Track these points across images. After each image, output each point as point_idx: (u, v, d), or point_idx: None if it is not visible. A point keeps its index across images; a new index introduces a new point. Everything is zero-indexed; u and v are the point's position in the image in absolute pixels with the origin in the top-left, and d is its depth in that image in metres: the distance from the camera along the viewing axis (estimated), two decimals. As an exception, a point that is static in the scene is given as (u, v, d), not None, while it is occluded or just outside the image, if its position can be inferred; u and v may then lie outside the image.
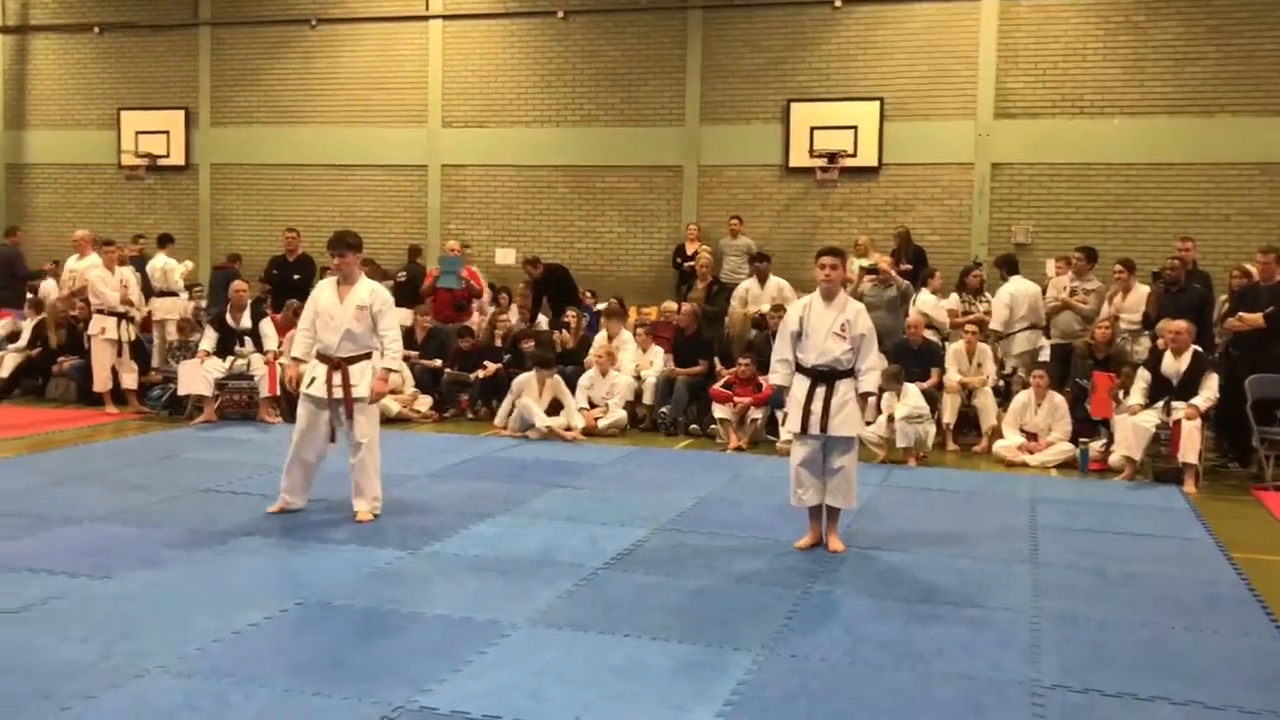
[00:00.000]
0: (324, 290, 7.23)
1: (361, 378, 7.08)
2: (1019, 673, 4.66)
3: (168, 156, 17.09)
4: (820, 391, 6.47)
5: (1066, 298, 11.35)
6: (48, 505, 7.26)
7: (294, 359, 7.45)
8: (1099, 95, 13.87)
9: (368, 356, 7.13)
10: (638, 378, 11.58)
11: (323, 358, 7.10)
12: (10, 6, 17.94)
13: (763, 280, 12.72)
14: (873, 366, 6.61)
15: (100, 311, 11.65)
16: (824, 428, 6.47)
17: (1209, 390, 9.08)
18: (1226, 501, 8.54)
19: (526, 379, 10.78)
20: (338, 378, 7.03)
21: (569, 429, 10.52)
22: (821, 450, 6.57)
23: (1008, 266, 12.06)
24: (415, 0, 16.09)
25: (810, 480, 6.60)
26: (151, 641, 4.77)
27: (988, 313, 11.84)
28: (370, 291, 7.19)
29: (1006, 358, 11.53)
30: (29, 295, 13.71)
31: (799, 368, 6.60)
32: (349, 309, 7.07)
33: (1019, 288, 11.68)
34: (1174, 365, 9.23)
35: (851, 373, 6.53)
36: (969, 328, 11.14)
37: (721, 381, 10.87)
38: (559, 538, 6.75)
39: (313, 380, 7.10)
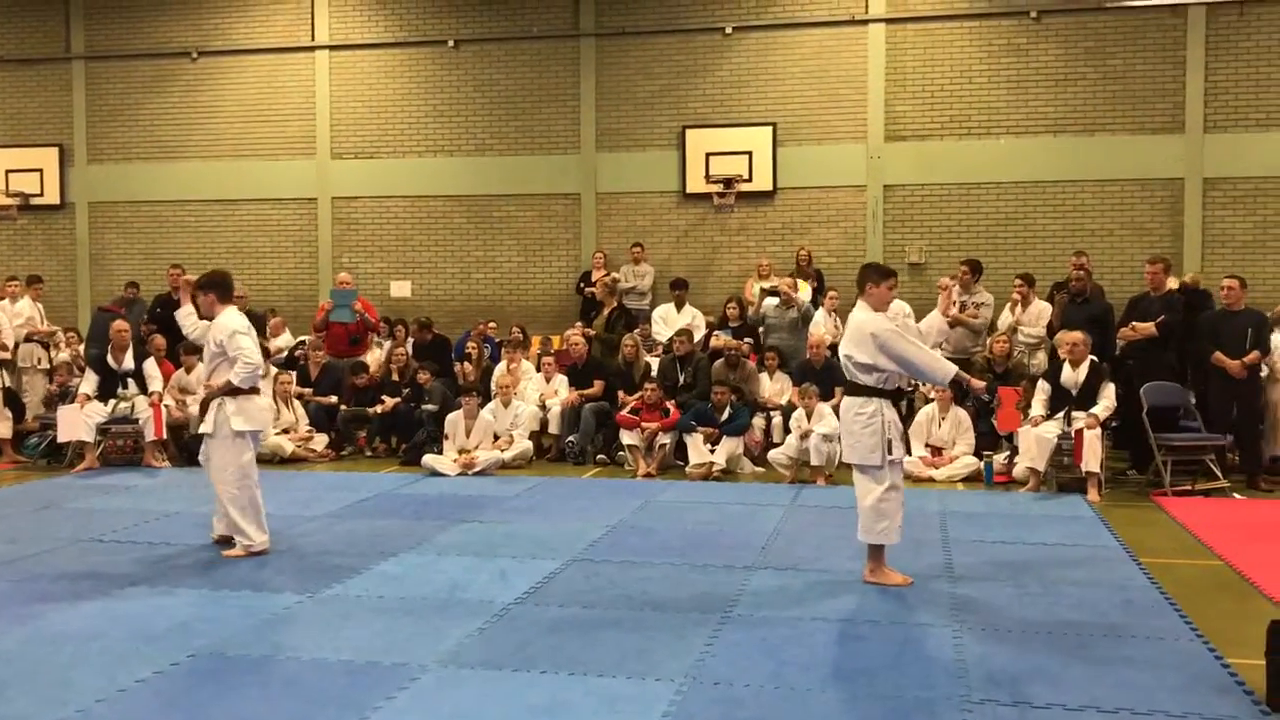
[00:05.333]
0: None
1: None
2: (947, 688, 4.57)
3: (41, 195, 16.34)
4: None
5: (957, 313, 11.50)
6: (-89, 564, 6.76)
7: None
8: (985, 117, 14.17)
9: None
10: (543, 407, 11.38)
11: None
12: None
13: (680, 306, 12.78)
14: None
15: (-31, 357, 11.04)
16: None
17: (1107, 399, 9.24)
18: (1129, 508, 8.67)
19: (456, 418, 10.52)
20: None
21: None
22: None
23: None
24: (300, 31, 15.74)
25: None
26: (27, 704, 4.41)
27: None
28: None
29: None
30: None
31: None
32: None
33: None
34: (1072, 376, 9.38)
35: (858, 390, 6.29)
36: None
37: (628, 408, 10.73)
38: (467, 574, 6.50)
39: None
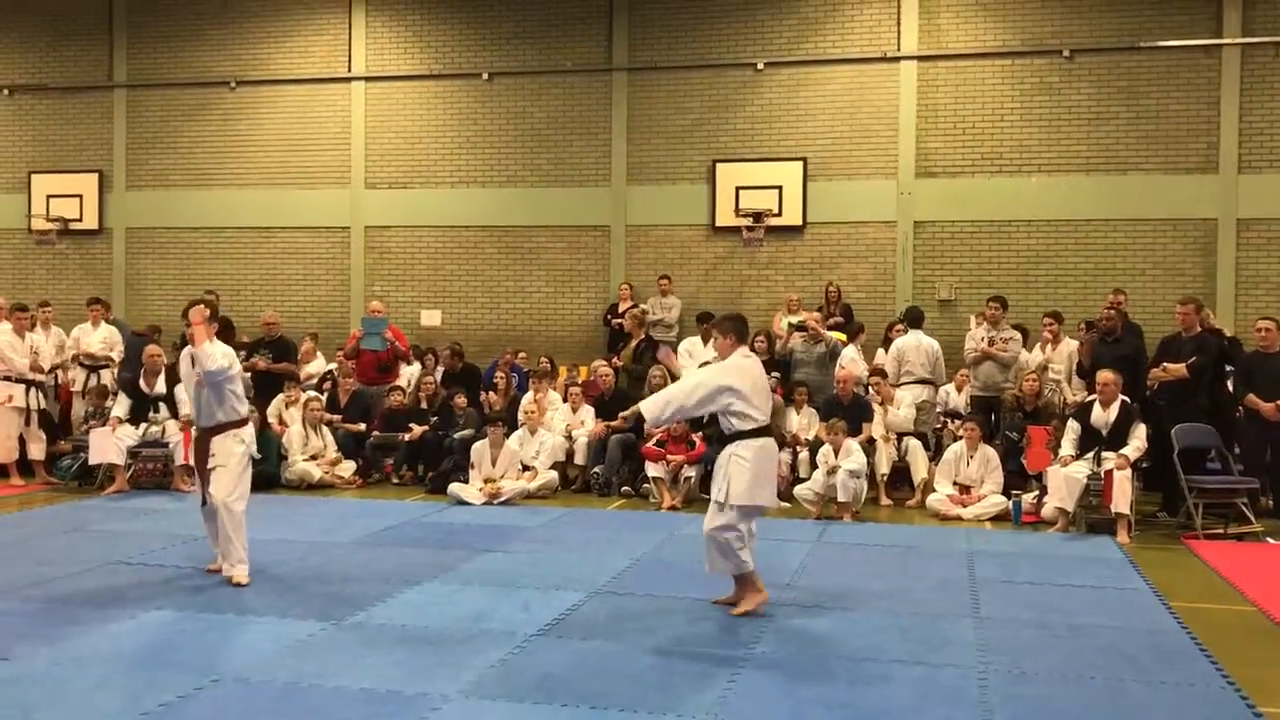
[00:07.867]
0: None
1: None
2: (971, 731, 4.52)
3: (80, 220, 16.61)
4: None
5: (986, 347, 11.46)
6: (-57, 583, 6.83)
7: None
8: (1017, 154, 14.16)
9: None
10: (569, 438, 11.39)
11: None
12: (-85, 68, 17.42)
13: (706, 340, 12.72)
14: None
15: (7, 379, 11.18)
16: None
17: (1138, 440, 9.15)
18: (1159, 550, 8.56)
19: (482, 447, 10.55)
20: None
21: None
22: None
23: (910, 320, 12.09)
24: (337, 62, 15.97)
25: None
26: (52, 727, 4.44)
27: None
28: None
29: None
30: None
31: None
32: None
33: (909, 342, 11.74)
34: (1103, 416, 9.30)
35: (729, 438, 6.52)
36: (874, 379, 11.18)
37: (654, 440, 10.72)
38: (490, 605, 6.49)
39: None
